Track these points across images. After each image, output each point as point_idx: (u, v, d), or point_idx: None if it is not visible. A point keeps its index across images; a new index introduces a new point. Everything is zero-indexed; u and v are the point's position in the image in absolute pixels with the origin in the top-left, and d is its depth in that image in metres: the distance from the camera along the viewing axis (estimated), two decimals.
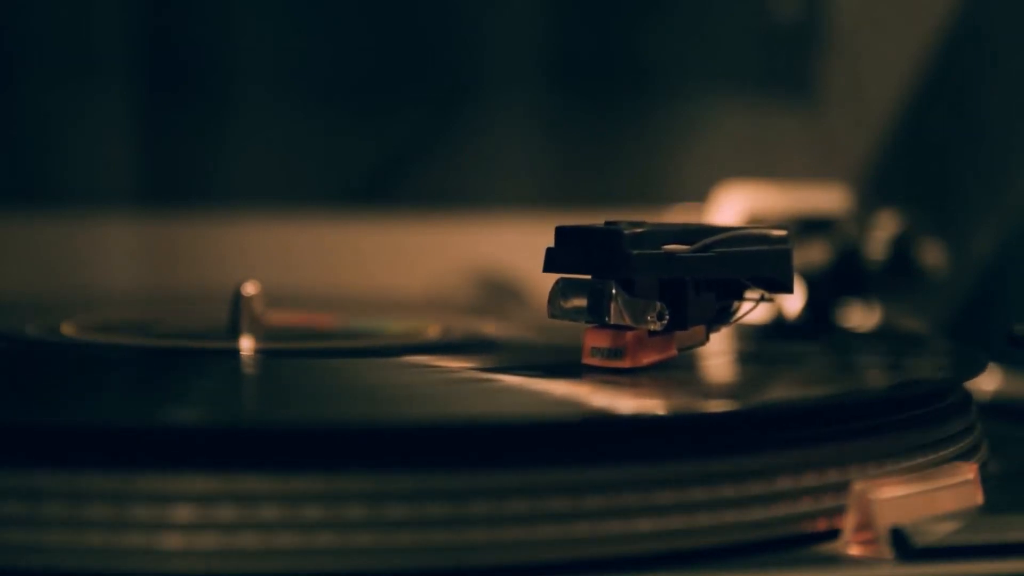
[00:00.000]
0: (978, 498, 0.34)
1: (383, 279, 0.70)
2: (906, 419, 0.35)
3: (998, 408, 0.48)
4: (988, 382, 0.49)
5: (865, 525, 0.31)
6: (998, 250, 0.64)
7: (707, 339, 0.38)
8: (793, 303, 0.55)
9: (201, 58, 0.71)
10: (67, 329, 0.46)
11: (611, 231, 0.36)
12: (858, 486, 0.32)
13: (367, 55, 0.72)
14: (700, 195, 0.65)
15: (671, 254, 0.36)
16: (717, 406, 0.34)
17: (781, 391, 0.38)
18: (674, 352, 0.37)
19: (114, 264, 0.69)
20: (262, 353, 0.42)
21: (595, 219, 0.37)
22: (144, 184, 0.70)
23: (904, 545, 0.30)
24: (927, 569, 0.30)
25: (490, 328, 0.50)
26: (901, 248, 0.56)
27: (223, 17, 0.71)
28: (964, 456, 0.36)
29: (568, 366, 0.37)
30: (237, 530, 0.28)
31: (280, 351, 0.43)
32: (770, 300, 0.39)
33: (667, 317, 0.36)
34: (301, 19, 0.72)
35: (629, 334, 0.36)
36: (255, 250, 0.70)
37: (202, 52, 0.71)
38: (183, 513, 0.28)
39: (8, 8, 0.69)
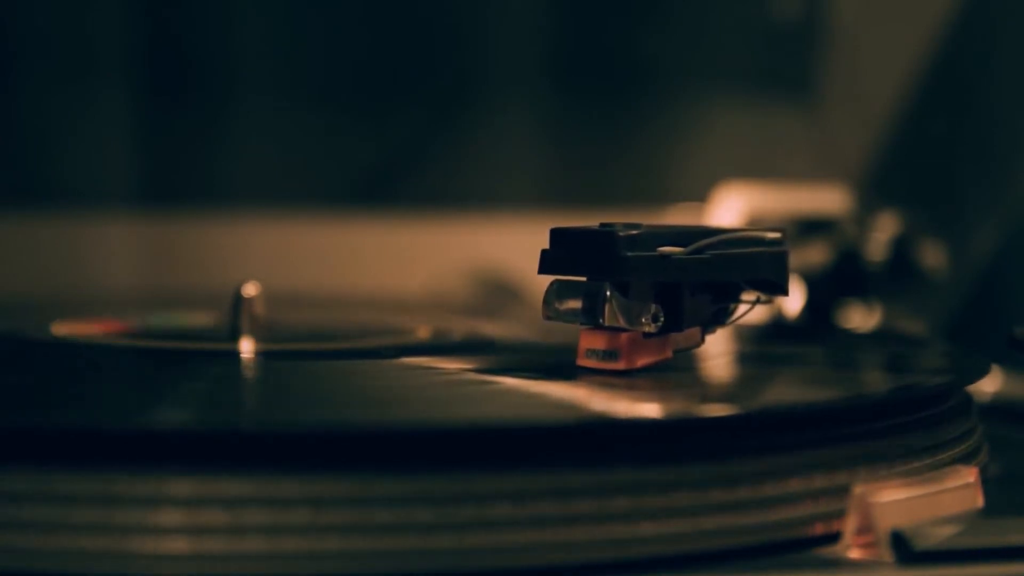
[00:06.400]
0: (978, 501, 0.33)
1: (383, 279, 0.70)
2: (906, 422, 0.35)
3: (999, 410, 0.48)
4: (989, 384, 0.49)
5: (865, 528, 0.31)
6: (998, 250, 0.64)
7: (703, 341, 0.38)
8: (793, 304, 0.55)
9: (201, 58, 0.71)
10: (66, 330, 0.46)
11: (606, 233, 0.35)
12: (858, 489, 0.31)
13: (368, 55, 0.72)
14: (700, 195, 0.65)
15: (666, 256, 0.36)
16: (714, 410, 0.34)
17: (780, 394, 0.38)
18: (669, 354, 0.37)
19: (114, 264, 0.69)
20: (261, 355, 0.42)
21: (595, 219, 0.37)
22: (144, 184, 0.70)
23: (904, 548, 0.30)
24: (927, 572, 0.30)
25: (489, 328, 0.49)
26: (901, 249, 0.56)
27: (223, 17, 0.71)
28: (965, 459, 0.36)
29: (563, 368, 0.37)
30: (219, 533, 0.28)
31: (279, 353, 0.43)
32: (766, 302, 0.39)
33: (662, 319, 0.36)
34: (301, 19, 0.72)
35: (624, 336, 0.36)
36: (255, 250, 0.70)
37: (202, 52, 0.71)
38: (167, 517, 0.28)
39: (8, 8, 0.69)
